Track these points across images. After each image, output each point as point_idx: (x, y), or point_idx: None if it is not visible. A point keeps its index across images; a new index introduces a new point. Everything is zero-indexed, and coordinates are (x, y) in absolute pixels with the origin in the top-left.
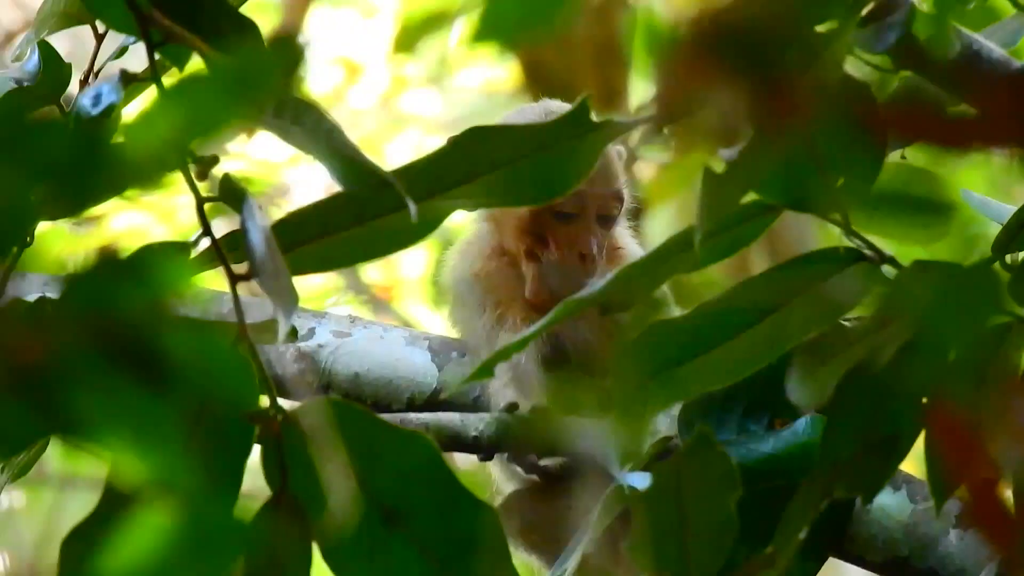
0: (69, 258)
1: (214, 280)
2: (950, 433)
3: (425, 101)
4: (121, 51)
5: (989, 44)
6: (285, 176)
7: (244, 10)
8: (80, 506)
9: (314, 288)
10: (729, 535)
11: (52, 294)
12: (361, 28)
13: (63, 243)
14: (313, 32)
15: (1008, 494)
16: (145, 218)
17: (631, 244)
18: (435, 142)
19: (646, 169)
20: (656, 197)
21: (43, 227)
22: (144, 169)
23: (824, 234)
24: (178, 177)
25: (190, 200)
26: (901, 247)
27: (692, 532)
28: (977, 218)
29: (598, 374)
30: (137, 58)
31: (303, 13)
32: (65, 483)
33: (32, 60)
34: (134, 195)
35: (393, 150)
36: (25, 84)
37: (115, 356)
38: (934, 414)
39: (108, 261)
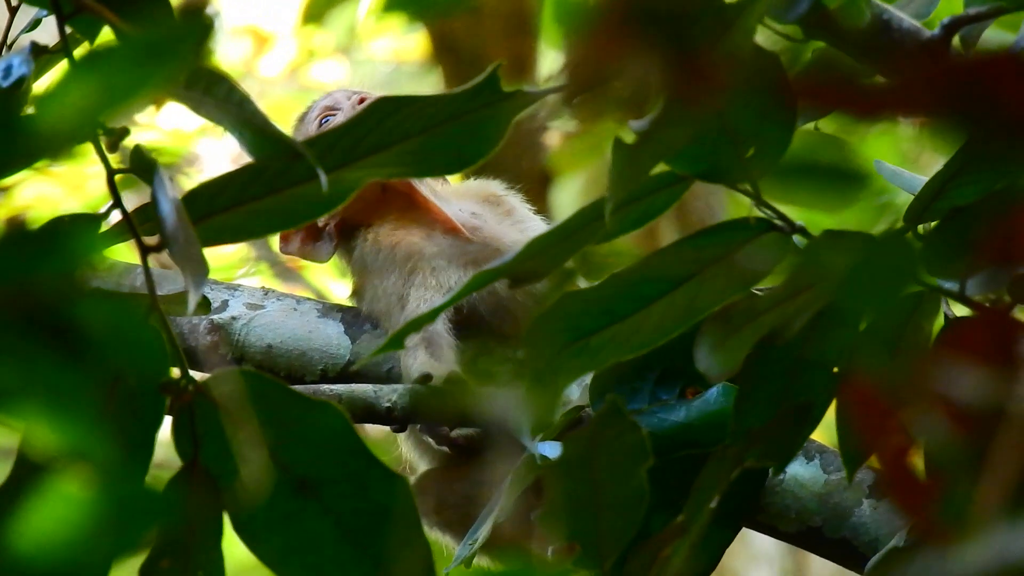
0: None
1: (126, 252)
2: (862, 402)
3: (334, 71)
4: (34, 24)
5: (899, 14)
6: (195, 146)
7: None
8: None
9: (225, 258)
10: (641, 505)
11: None
12: None
13: None
14: (222, 2)
15: (919, 462)
16: (55, 189)
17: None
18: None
19: (554, 139)
20: (565, 167)
21: None
22: (55, 141)
23: (734, 204)
24: (89, 148)
25: (101, 171)
26: (812, 216)
27: (604, 502)
28: (887, 188)
29: (513, 338)
30: (51, 31)
31: None
32: None
33: None
34: (44, 166)
35: None
36: None
37: (27, 327)
38: (846, 383)
39: (18, 232)
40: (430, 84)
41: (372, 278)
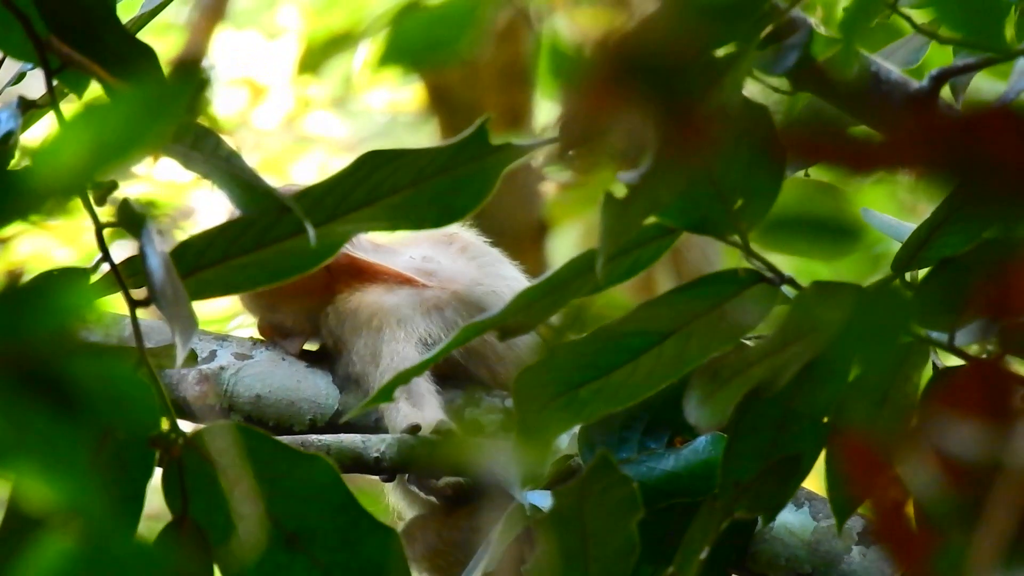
0: None
1: (116, 303)
2: (852, 452)
3: (329, 122)
4: (20, 77)
5: (887, 65)
6: (190, 198)
7: (150, 30)
8: None
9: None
10: (631, 557)
11: None
12: (265, 50)
13: None
14: (217, 54)
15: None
16: (50, 242)
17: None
18: (340, 163)
19: (551, 189)
20: (561, 217)
21: None
22: (44, 196)
23: (730, 253)
24: (81, 202)
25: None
26: (806, 266)
27: (594, 555)
28: (881, 238)
29: (493, 387)
30: (38, 83)
31: (207, 35)
32: None
33: None
34: (39, 220)
35: (298, 171)
36: None
37: (17, 381)
38: (836, 434)
39: (9, 288)
40: (426, 135)
41: (344, 348)
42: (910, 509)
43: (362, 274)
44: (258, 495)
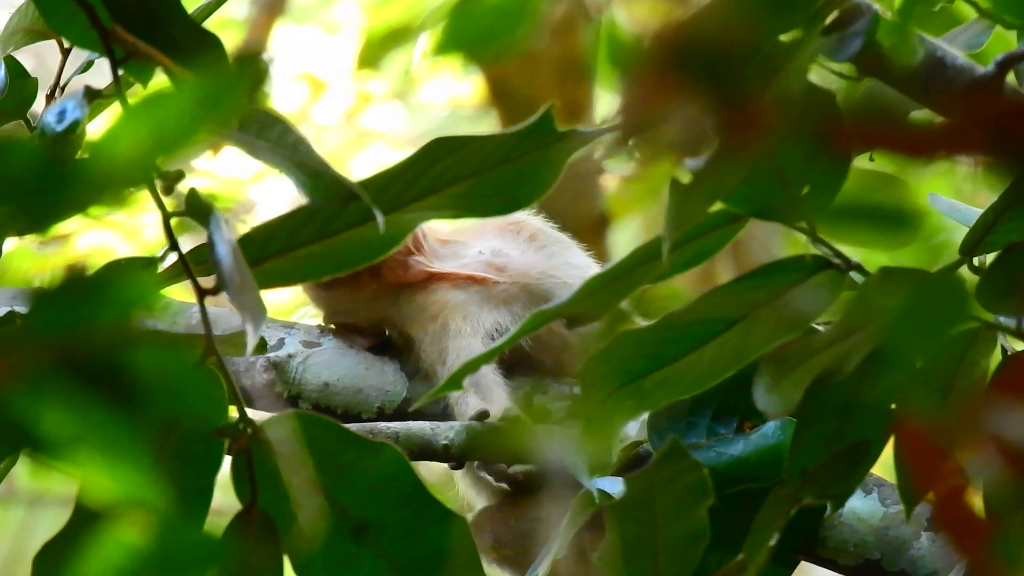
0: (35, 276)
1: (183, 291)
2: (918, 440)
3: (389, 116)
4: (86, 66)
5: (952, 51)
6: (250, 193)
7: (208, 27)
8: (50, 524)
9: (281, 302)
10: (700, 545)
11: (20, 308)
12: (325, 45)
13: (30, 261)
14: (277, 49)
15: (976, 497)
16: (111, 236)
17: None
18: (400, 157)
19: (612, 181)
20: (622, 209)
21: (10, 244)
22: (109, 186)
23: (791, 242)
24: (143, 195)
25: (156, 218)
26: (870, 254)
27: (663, 543)
28: (946, 225)
29: (560, 375)
30: (104, 72)
31: (267, 30)
32: (34, 501)
33: None
34: (100, 213)
35: (358, 166)
36: None
37: (83, 373)
38: (902, 421)
39: (75, 278)
40: (486, 128)
41: (412, 345)
42: (973, 496)
43: (432, 280)
44: (321, 484)
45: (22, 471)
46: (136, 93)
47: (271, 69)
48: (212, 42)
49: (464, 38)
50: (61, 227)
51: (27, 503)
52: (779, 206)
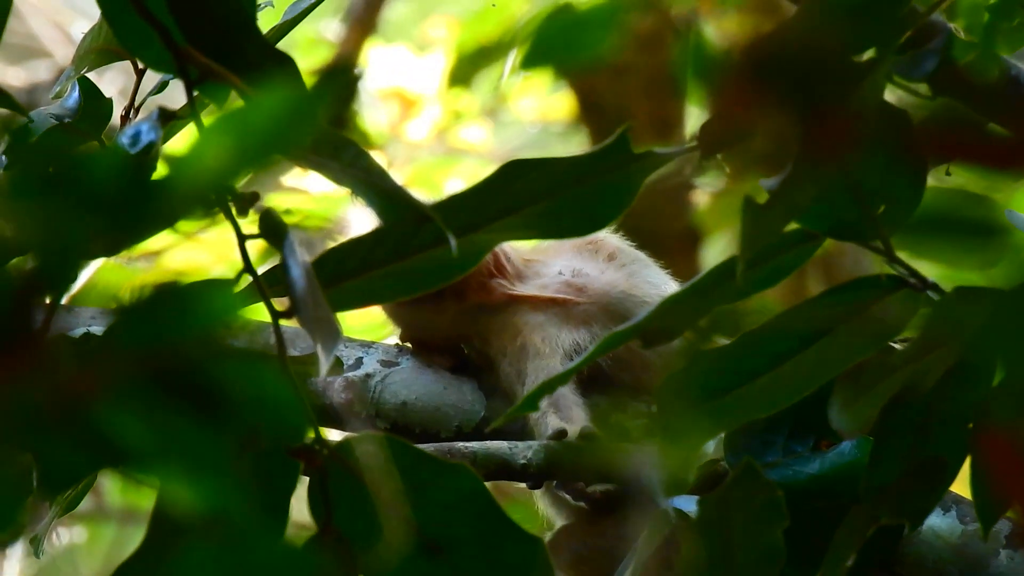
0: (119, 293)
1: (262, 313)
2: (997, 457)
3: (480, 134)
4: (162, 86)
5: None
6: (344, 211)
7: (300, 46)
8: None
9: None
10: (776, 565)
11: (98, 329)
12: (416, 62)
13: (119, 277)
14: (368, 67)
15: None
16: (201, 254)
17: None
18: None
19: (702, 197)
20: (712, 225)
21: (100, 263)
22: (185, 206)
23: (878, 260)
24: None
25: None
26: (955, 273)
27: (740, 563)
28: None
29: (638, 393)
30: (180, 91)
31: (358, 49)
32: (126, 518)
33: (72, 96)
34: (190, 230)
35: (450, 183)
36: (66, 120)
37: (165, 387)
38: (980, 438)
39: (155, 295)
40: (576, 145)
41: (491, 366)
42: None
43: (512, 303)
44: (402, 503)
45: (113, 488)
46: (212, 114)
47: (360, 84)
48: (285, 62)
49: (552, 50)
50: (150, 244)
51: (118, 520)
52: (854, 224)
